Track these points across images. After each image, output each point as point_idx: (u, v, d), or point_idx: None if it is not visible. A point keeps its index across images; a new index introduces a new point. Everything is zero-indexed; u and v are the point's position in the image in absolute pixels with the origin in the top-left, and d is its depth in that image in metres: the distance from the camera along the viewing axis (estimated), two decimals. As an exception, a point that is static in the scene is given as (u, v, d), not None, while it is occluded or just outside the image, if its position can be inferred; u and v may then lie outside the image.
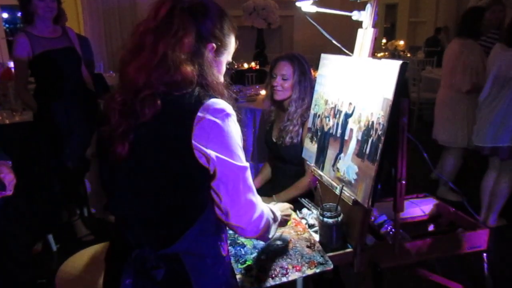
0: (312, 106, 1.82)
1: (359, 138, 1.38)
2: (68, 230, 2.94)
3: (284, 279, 1.29)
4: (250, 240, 1.49)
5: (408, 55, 7.51)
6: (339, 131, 1.52)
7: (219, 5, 1.04)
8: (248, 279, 1.29)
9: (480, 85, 2.92)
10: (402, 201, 1.41)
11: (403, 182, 1.38)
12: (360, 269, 1.47)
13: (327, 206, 1.48)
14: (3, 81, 3.65)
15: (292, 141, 1.97)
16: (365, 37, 1.50)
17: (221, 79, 1.06)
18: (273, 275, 1.30)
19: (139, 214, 0.99)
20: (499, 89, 2.66)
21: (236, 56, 1.13)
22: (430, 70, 6.00)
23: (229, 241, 1.47)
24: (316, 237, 1.52)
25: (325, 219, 1.45)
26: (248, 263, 1.36)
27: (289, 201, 1.69)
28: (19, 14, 2.78)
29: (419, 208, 1.90)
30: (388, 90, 1.25)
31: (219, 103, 0.94)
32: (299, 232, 1.54)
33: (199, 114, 0.91)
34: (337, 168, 1.50)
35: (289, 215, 1.43)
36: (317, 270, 1.33)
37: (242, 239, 1.49)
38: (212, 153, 0.91)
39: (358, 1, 1.52)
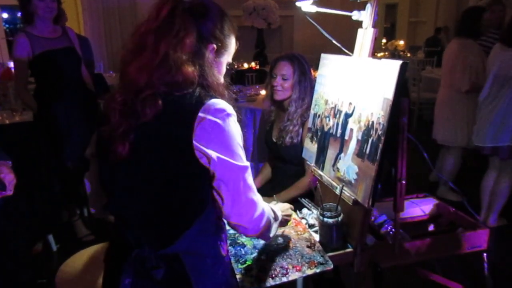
0: (312, 106, 1.82)
1: (359, 138, 1.38)
2: (68, 230, 2.94)
3: (284, 279, 1.29)
4: (250, 240, 1.49)
5: (408, 55, 7.51)
6: (339, 131, 1.52)
7: (219, 6, 1.04)
8: (248, 279, 1.29)
9: (480, 84, 2.92)
10: (402, 201, 1.41)
11: (403, 182, 1.38)
12: (360, 269, 1.47)
13: (327, 206, 1.48)
14: (3, 81, 3.65)
15: (292, 141, 1.97)
16: (365, 37, 1.50)
17: (222, 79, 1.06)
18: (273, 275, 1.30)
19: (139, 214, 0.99)
20: (499, 89, 2.67)
21: (236, 56, 1.13)
22: (430, 70, 6.00)
23: (229, 241, 1.48)
24: (316, 237, 1.52)
25: (325, 219, 1.45)
26: (248, 263, 1.36)
27: (289, 201, 1.69)
28: (19, 14, 2.77)
29: (419, 208, 1.90)
30: (388, 90, 1.25)
31: (219, 103, 0.94)
32: (299, 232, 1.54)
33: (200, 114, 0.91)
34: (337, 168, 1.50)
35: (289, 215, 1.43)
36: (317, 270, 1.33)
37: (242, 239, 1.49)
38: (213, 154, 0.92)
39: (358, 1, 1.52)
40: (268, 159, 2.29)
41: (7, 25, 6.43)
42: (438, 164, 3.58)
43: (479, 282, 1.79)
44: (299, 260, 1.37)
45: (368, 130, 1.34)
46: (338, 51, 1.64)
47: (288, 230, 1.55)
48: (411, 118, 5.31)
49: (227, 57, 1.08)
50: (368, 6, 1.48)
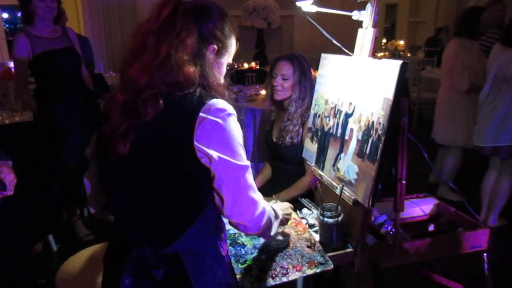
0: (312, 106, 1.81)
1: (359, 138, 1.38)
2: (68, 230, 2.94)
3: (285, 279, 1.29)
4: (250, 240, 1.49)
5: (408, 55, 7.50)
6: (339, 131, 1.52)
7: (220, 6, 1.04)
8: (248, 279, 1.29)
9: (479, 84, 2.93)
10: (402, 201, 1.41)
11: (403, 182, 1.38)
12: (361, 269, 1.47)
13: (328, 206, 1.48)
14: (3, 81, 3.65)
15: (292, 141, 1.97)
16: (365, 37, 1.50)
17: (222, 80, 1.07)
18: (273, 275, 1.30)
19: (139, 213, 0.99)
20: (499, 89, 2.67)
21: (236, 56, 1.13)
22: (430, 70, 5.99)
23: (229, 241, 1.48)
24: (317, 237, 1.52)
25: (326, 219, 1.45)
26: (248, 263, 1.36)
27: (289, 201, 1.68)
28: (19, 14, 2.77)
29: (419, 208, 1.90)
30: (388, 90, 1.25)
31: (220, 103, 0.95)
32: (299, 232, 1.54)
33: (201, 114, 0.91)
34: (338, 168, 1.50)
35: (289, 214, 1.44)
36: (318, 270, 1.33)
37: (242, 239, 1.49)
38: (214, 154, 0.92)
39: (358, 1, 1.52)
40: (268, 159, 2.29)
41: (7, 25, 6.43)
42: (437, 164, 3.58)
43: (479, 282, 1.79)
44: (299, 260, 1.37)
45: (368, 130, 1.34)
46: (338, 51, 1.64)
47: (288, 230, 1.55)
48: (411, 118, 5.31)
49: (228, 58, 1.08)
50: (368, 6, 1.48)
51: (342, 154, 1.48)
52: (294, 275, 1.31)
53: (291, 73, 1.97)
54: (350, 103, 1.47)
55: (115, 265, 1.02)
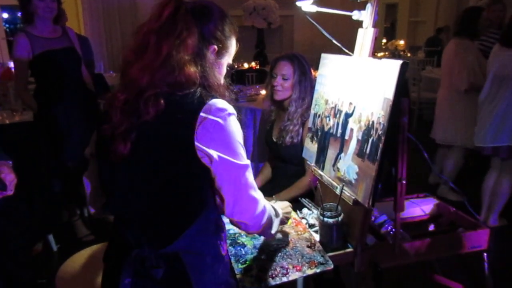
0: (313, 106, 1.81)
1: (360, 138, 1.38)
2: (69, 230, 2.94)
3: (285, 279, 1.29)
4: (250, 240, 1.49)
5: (408, 54, 7.50)
6: (340, 130, 1.52)
7: (220, 7, 1.05)
8: (248, 279, 1.29)
9: (478, 84, 2.94)
10: (403, 200, 1.41)
11: (404, 181, 1.38)
12: (361, 269, 1.47)
13: (328, 206, 1.48)
14: (3, 81, 3.65)
15: (292, 140, 1.97)
16: (365, 36, 1.50)
17: (222, 80, 1.07)
18: (274, 275, 1.30)
19: (139, 213, 0.99)
20: (498, 89, 2.67)
21: (236, 56, 1.13)
22: (430, 70, 5.99)
23: (229, 241, 1.48)
24: (317, 237, 1.52)
25: (326, 219, 1.45)
26: (248, 263, 1.36)
27: (289, 201, 1.68)
28: (19, 14, 2.77)
29: (419, 208, 1.90)
30: (388, 89, 1.25)
31: (220, 102, 0.95)
32: (299, 232, 1.54)
33: (201, 114, 0.91)
34: (338, 167, 1.50)
35: (289, 213, 1.44)
36: (318, 270, 1.33)
37: (242, 239, 1.49)
38: (214, 153, 0.92)
39: (358, 0, 1.52)
40: (268, 159, 2.29)
41: (7, 25, 6.43)
42: (437, 164, 3.58)
43: (479, 282, 1.79)
44: (300, 260, 1.37)
45: (368, 130, 1.34)
46: (338, 51, 1.64)
47: (288, 230, 1.54)
48: (411, 118, 5.31)
49: (228, 58, 1.09)
50: (368, 6, 1.48)
51: (342, 154, 1.48)
52: (294, 275, 1.30)
53: (291, 73, 1.97)
54: (350, 103, 1.47)
55: (115, 265, 1.02)
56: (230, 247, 1.44)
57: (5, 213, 2.00)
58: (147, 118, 0.91)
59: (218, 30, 1.02)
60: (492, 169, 2.90)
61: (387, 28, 9.92)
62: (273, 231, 1.14)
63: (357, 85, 1.44)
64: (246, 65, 6.02)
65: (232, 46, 1.08)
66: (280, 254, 1.40)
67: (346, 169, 1.44)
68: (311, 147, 1.76)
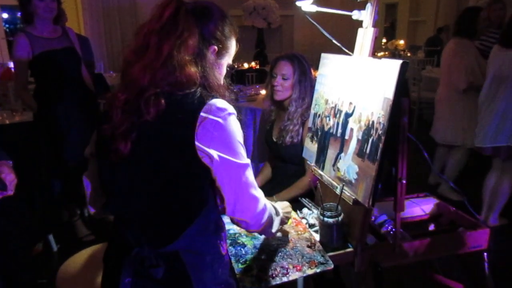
0: (313, 105, 1.81)
1: (360, 137, 1.38)
2: (68, 230, 2.93)
3: (285, 279, 1.29)
4: (251, 240, 1.49)
5: (408, 54, 7.50)
6: (340, 130, 1.52)
7: (221, 8, 1.05)
8: (248, 279, 1.29)
9: (477, 84, 2.94)
10: (403, 200, 1.41)
11: (404, 181, 1.38)
12: (361, 268, 1.47)
13: (328, 205, 1.48)
14: (3, 81, 3.64)
15: (292, 140, 1.97)
16: (365, 36, 1.50)
17: (222, 81, 1.08)
18: (274, 275, 1.30)
19: (139, 213, 0.99)
20: (497, 89, 2.67)
21: (236, 56, 1.14)
22: (430, 70, 5.99)
23: (229, 241, 1.48)
24: (317, 237, 1.52)
25: (326, 219, 1.45)
26: (248, 263, 1.36)
27: (289, 201, 1.68)
28: (19, 14, 2.76)
29: (419, 207, 1.90)
30: (388, 89, 1.25)
31: (221, 102, 0.95)
32: (299, 232, 1.54)
33: (202, 114, 0.92)
34: (338, 167, 1.50)
35: (289, 213, 1.44)
36: (318, 270, 1.33)
37: (242, 239, 1.49)
38: (215, 153, 0.92)
39: (358, 0, 1.52)
40: (268, 159, 2.29)
41: (7, 25, 6.43)
42: (436, 163, 3.57)
43: (479, 282, 1.78)
44: (300, 260, 1.37)
45: (368, 129, 1.34)
46: (338, 51, 1.64)
47: (288, 230, 1.54)
48: (411, 118, 5.31)
49: (228, 59, 1.09)
50: (368, 6, 1.48)
51: (342, 154, 1.48)
52: (294, 275, 1.30)
53: (291, 73, 1.97)
54: (350, 103, 1.47)
55: (115, 264, 1.02)
56: (230, 247, 1.44)
57: (5, 213, 2.00)
58: (148, 118, 0.91)
59: (218, 31, 1.02)
60: (493, 169, 2.90)
61: (387, 28, 9.92)
62: (273, 230, 1.15)
63: (357, 85, 1.44)
64: (246, 65, 6.03)
65: (232, 46, 1.09)
66: (280, 254, 1.40)
67: (346, 169, 1.44)
68: (311, 147, 1.76)
